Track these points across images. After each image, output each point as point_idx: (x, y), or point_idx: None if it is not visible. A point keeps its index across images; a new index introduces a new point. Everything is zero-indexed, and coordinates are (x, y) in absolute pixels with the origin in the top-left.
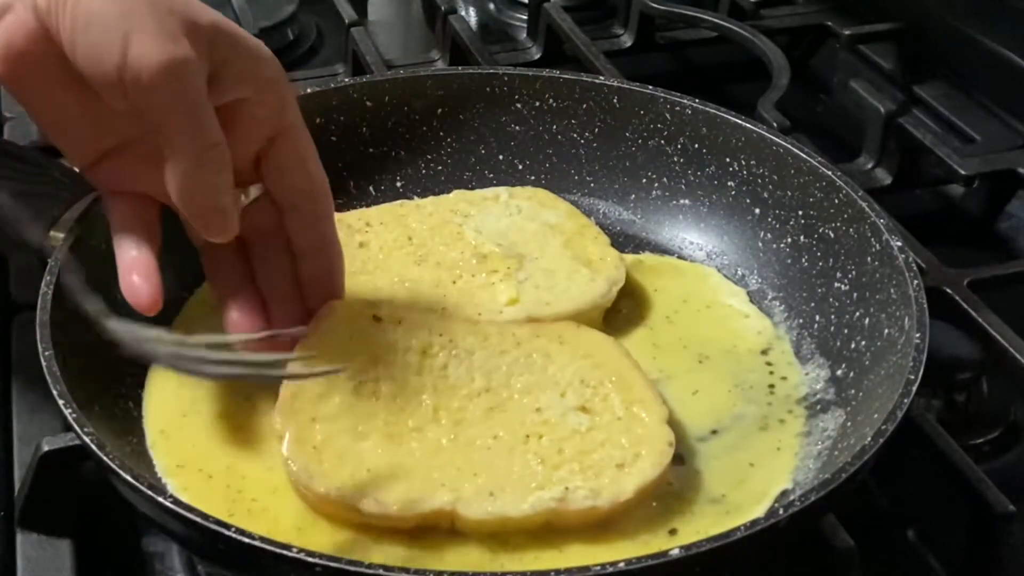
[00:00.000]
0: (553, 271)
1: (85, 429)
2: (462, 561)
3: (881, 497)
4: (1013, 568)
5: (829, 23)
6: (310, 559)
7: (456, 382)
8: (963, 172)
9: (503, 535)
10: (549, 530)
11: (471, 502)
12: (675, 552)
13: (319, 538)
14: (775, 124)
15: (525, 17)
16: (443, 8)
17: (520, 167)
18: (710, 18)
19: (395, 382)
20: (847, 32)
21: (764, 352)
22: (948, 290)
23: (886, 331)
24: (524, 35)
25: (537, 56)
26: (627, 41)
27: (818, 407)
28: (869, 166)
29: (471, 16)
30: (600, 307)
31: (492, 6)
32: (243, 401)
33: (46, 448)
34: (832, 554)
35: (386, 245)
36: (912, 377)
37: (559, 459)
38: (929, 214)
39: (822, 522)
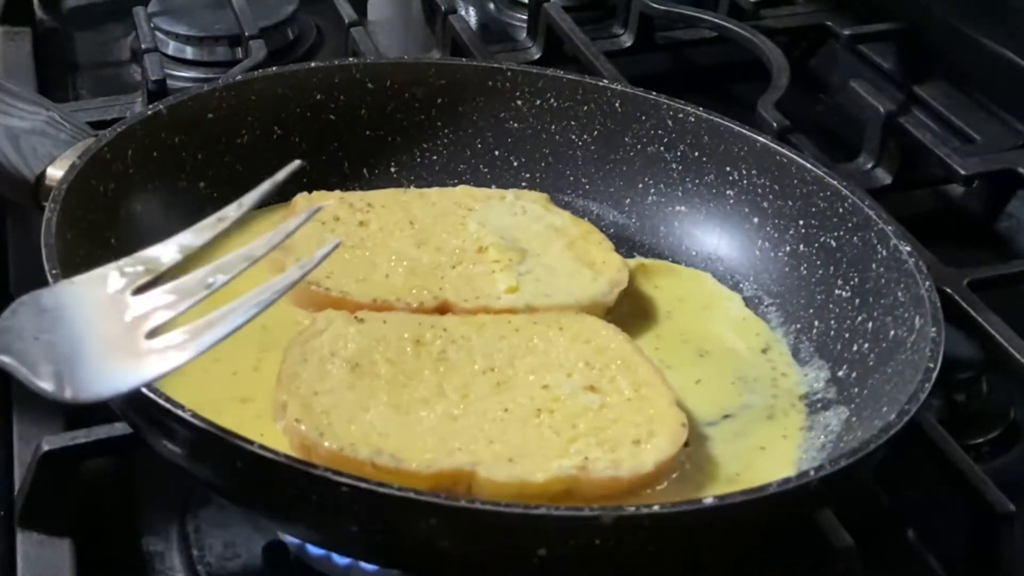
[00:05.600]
0: (555, 268)
1: None
2: None
3: (881, 497)
4: (1013, 568)
5: (829, 23)
6: (338, 478)
7: (457, 364)
8: (963, 172)
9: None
10: (568, 500)
11: (491, 466)
12: (709, 501)
13: None
14: (775, 124)
15: (525, 17)
16: (443, 8)
17: (516, 164)
18: (710, 18)
19: (393, 364)
20: (847, 32)
21: (764, 351)
22: (948, 290)
23: (892, 332)
24: (524, 35)
25: (537, 56)
26: (627, 41)
27: (819, 405)
28: (869, 166)
29: (471, 16)
30: (601, 305)
31: (492, 6)
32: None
33: (46, 448)
34: (832, 553)
35: (387, 226)
36: (931, 365)
37: (574, 432)
38: (929, 214)
39: (822, 521)
